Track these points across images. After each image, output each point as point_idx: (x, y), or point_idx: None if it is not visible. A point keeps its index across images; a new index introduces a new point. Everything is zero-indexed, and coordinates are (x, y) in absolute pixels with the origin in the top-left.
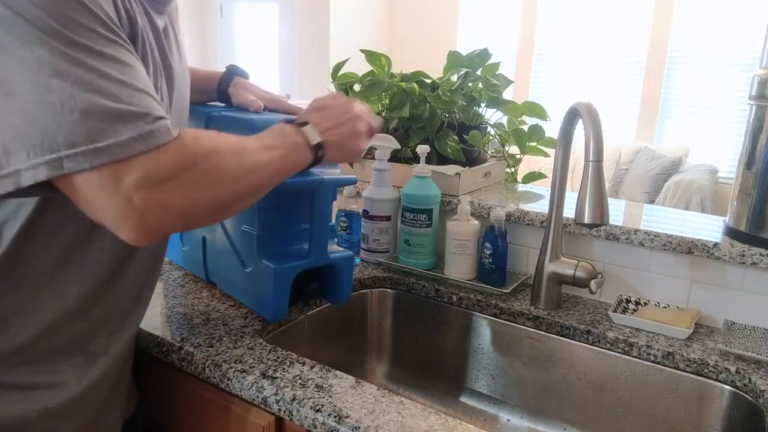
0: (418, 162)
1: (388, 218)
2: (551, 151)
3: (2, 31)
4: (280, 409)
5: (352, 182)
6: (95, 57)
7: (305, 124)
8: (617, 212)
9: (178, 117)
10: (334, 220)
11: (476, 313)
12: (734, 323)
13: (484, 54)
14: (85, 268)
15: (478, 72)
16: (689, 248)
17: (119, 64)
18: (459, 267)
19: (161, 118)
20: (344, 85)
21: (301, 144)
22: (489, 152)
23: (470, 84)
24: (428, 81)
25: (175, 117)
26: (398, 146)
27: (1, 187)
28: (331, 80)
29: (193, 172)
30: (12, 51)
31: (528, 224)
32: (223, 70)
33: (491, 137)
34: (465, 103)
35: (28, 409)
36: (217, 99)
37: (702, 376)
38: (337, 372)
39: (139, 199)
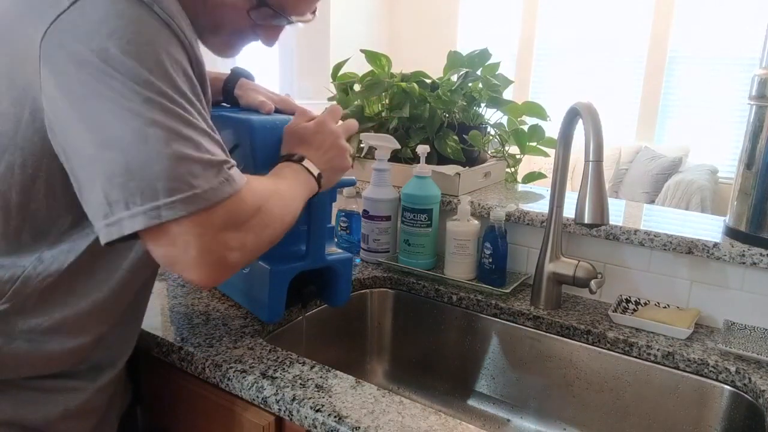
0: (418, 162)
1: (388, 218)
2: (551, 151)
3: (98, 82)
4: (280, 409)
5: (351, 183)
6: (180, 106)
7: (302, 158)
8: (617, 212)
9: None
10: (333, 221)
11: (476, 313)
12: (734, 323)
13: (484, 54)
14: (123, 299)
15: (478, 72)
16: (689, 248)
17: (197, 113)
18: (459, 267)
19: (233, 164)
20: (344, 85)
21: (309, 179)
22: (489, 152)
23: (470, 84)
24: (428, 81)
25: None
26: (398, 146)
27: (107, 235)
28: (331, 80)
29: (262, 213)
30: (109, 102)
31: (528, 224)
32: (220, 70)
33: (491, 137)
34: (465, 103)
35: (48, 412)
36: (223, 100)
37: (702, 376)
38: (337, 372)
39: (224, 241)
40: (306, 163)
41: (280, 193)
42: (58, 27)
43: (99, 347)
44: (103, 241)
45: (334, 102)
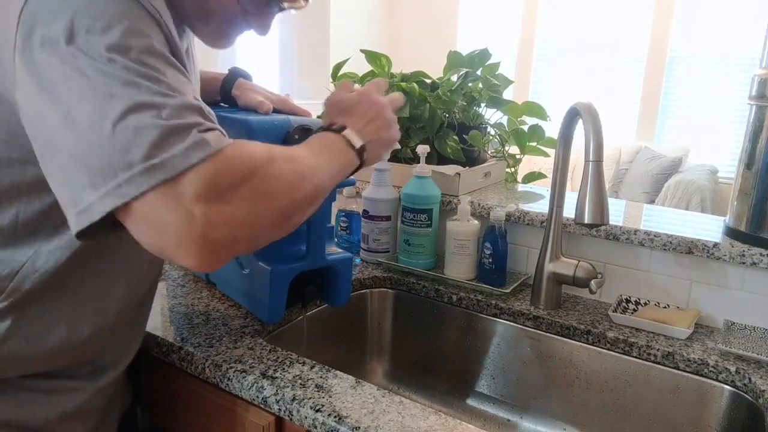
0: (418, 162)
1: (388, 218)
2: (551, 151)
3: (63, 63)
4: (280, 409)
5: (351, 183)
6: (145, 77)
7: (343, 128)
8: (617, 212)
9: None
10: (333, 221)
11: (476, 313)
12: (734, 323)
13: (484, 54)
14: (123, 296)
15: (478, 72)
16: (689, 248)
17: (169, 81)
18: (459, 267)
19: (213, 129)
20: None
21: (346, 149)
22: (489, 152)
23: (470, 84)
24: (428, 81)
25: None
26: (398, 146)
27: (77, 224)
28: (331, 80)
29: (253, 179)
30: (71, 82)
31: (528, 224)
32: (219, 70)
33: (491, 137)
34: (465, 103)
35: (48, 412)
36: (221, 100)
37: (702, 376)
38: (337, 372)
39: (201, 213)
40: (347, 133)
41: (295, 158)
42: (25, 11)
43: (102, 348)
44: (73, 230)
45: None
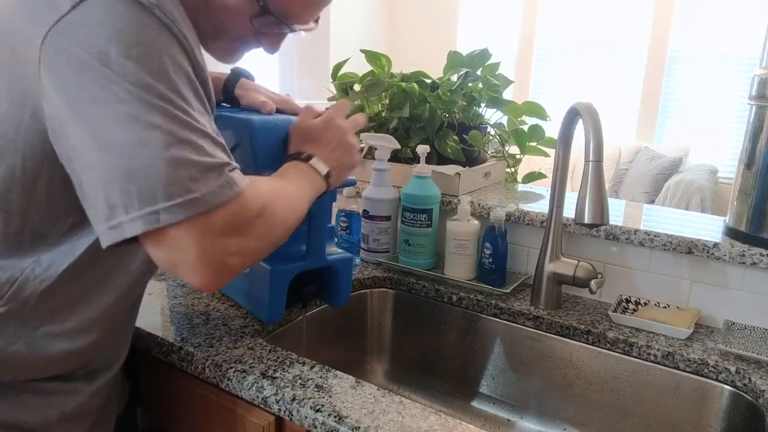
0: (418, 162)
1: (388, 218)
2: (551, 151)
3: (98, 86)
4: (280, 409)
5: (351, 183)
6: (180, 109)
7: (310, 157)
8: (617, 212)
9: None
10: (333, 221)
11: (476, 313)
12: (734, 323)
13: (484, 54)
14: (121, 303)
15: (478, 72)
16: (689, 248)
17: (198, 116)
18: (459, 267)
19: (235, 166)
20: (344, 85)
21: (315, 177)
22: (489, 152)
23: (470, 84)
24: (428, 81)
25: None
26: (398, 146)
27: (110, 238)
28: (331, 80)
29: (265, 216)
30: (109, 106)
31: (528, 224)
32: (220, 70)
33: (491, 137)
34: (465, 103)
35: (47, 414)
36: (223, 100)
37: (702, 376)
38: (337, 372)
39: (225, 245)
40: (314, 161)
41: (285, 194)
42: (58, 30)
43: (98, 350)
44: (104, 244)
45: (336, 101)
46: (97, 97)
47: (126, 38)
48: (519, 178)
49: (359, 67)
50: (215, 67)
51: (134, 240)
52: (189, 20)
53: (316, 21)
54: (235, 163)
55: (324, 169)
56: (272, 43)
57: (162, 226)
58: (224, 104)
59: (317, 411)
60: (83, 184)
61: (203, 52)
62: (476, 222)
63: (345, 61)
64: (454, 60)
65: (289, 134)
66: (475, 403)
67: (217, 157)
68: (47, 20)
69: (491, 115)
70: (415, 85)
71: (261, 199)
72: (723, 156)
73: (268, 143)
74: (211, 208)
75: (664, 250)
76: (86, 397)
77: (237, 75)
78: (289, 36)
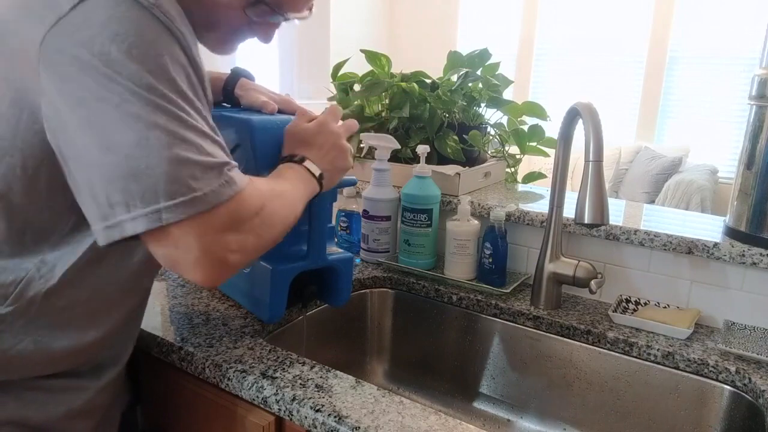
0: (418, 162)
1: (388, 218)
2: (551, 151)
3: (100, 86)
4: (280, 409)
5: (352, 183)
6: (181, 109)
7: (304, 159)
8: (617, 212)
9: None
10: (334, 221)
11: (476, 313)
12: (734, 323)
13: (484, 54)
14: (126, 299)
15: (478, 72)
16: (689, 248)
17: (198, 115)
18: (459, 267)
19: (234, 165)
20: (344, 85)
21: (309, 178)
22: (489, 152)
23: (470, 84)
24: (428, 81)
25: None
26: (398, 146)
27: (106, 237)
28: (331, 80)
29: (263, 214)
30: (112, 106)
31: (528, 224)
32: (219, 70)
33: (491, 137)
34: (465, 103)
35: (52, 412)
36: (223, 100)
37: (702, 376)
38: (337, 372)
39: (225, 242)
40: (307, 164)
41: (283, 194)
42: (58, 30)
43: (104, 346)
44: (101, 243)
45: (334, 102)
46: (99, 97)
47: (127, 38)
48: (519, 178)
49: (359, 67)
50: (215, 66)
51: (134, 238)
52: (184, 15)
53: (310, 9)
54: (234, 162)
55: (317, 171)
56: (266, 32)
57: (164, 225)
58: (224, 104)
59: (317, 411)
60: (80, 182)
61: (200, 47)
62: (476, 222)
63: (345, 61)
64: (454, 60)
65: (284, 137)
66: (475, 403)
67: (217, 156)
68: (46, 20)
69: (491, 115)
70: (415, 85)
71: (260, 197)
72: (723, 156)
73: (269, 143)
74: (212, 207)
75: (664, 250)
76: (93, 394)
77: (237, 75)
78: (290, 36)
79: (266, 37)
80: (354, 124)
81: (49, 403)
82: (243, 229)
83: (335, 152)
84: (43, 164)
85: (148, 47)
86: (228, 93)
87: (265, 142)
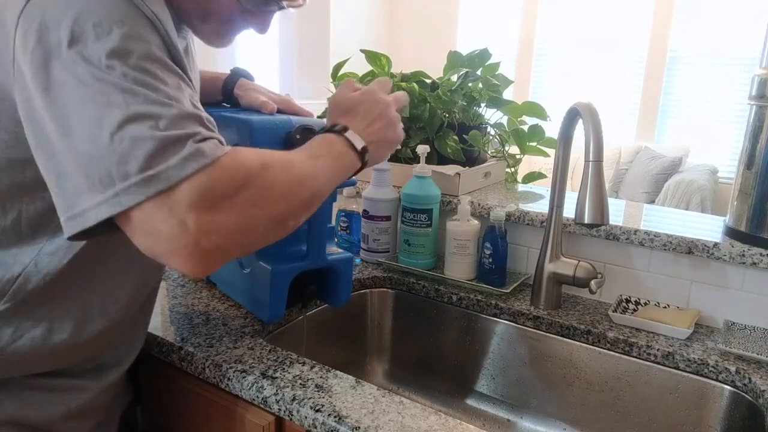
0: (418, 162)
1: (388, 218)
2: (551, 151)
3: (63, 70)
4: (280, 409)
5: (352, 184)
6: (146, 85)
7: (345, 129)
8: (617, 212)
9: None
10: (334, 221)
11: (476, 313)
12: (734, 323)
13: (484, 54)
14: (128, 294)
15: (478, 72)
16: (689, 248)
17: (170, 90)
18: (459, 267)
19: (210, 137)
20: None
21: (347, 152)
22: (489, 152)
23: (470, 84)
24: (428, 81)
25: None
26: (398, 146)
27: (70, 228)
28: (331, 80)
29: (248, 188)
30: (71, 89)
31: (528, 224)
32: (219, 70)
33: (491, 137)
34: (465, 103)
35: (52, 411)
36: (222, 100)
37: (702, 376)
38: (337, 372)
39: (194, 222)
40: (349, 134)
41: (291, 164)
42: (27, 13)
43: (107, 346)
44: (66, 235)
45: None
46: (61, 81)
47: (91, 17)
48: (519, 178)
49: (359, 67)
50: (215, 66)
51: (116, 228)
52: (173, 4)
53: None
54: (209, 133)
55: (360, 143)
56: (261, 21)
57: (125, 209)
58: (224, 104)
59: (317, 411)
60: (46, 171)
61: (198, 42)
62: (476, 222)
63: (345, 61)
64: (454, 60)
65: (327, 109)
66: (475, 403)
67: (184, 128)
68: (19, 4)
69: (491, 115)
70: (415, 85)
71: (245, 169)
72: (723, 156)
73: (268, 144)
74: (174, 184)
75: (664, 250)
76: (94, 394)
77: (236, 75)
78: (290, 36)
79: (262, 27)
80: (404, 96)
81: (48, 402)
82: (221, 206)
83: (382, 122)
84: (30, 155)
85: (112, 24)
86: (227, 93)
87: (264, 143)
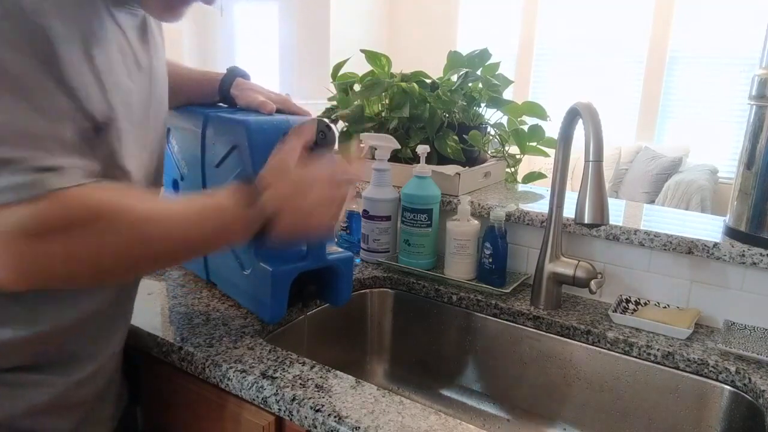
0: (418, 162)
1: (388, 218)
2: (551, 151)
3: None
4: (280, 409)
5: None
6: None
7: (259, 194)
8: (617, 212)
9: (156, 115)
10: None
11: (476, 313)
12: (734, 323)
13: (484, 54)
14: (82, 295)
15: (478, 72)
16: (689, 248)
17: (28, 112)
18: (459, 267)
19: (49, 169)
20: (344, 85)
21: (242, 220)
22: (489, 152)
23: (470, 84)
24: (428, 81)
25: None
26: (398, 146)
27: None
28: (331, 80)
29: (85, 228)
30: None
31: (528, 224)
32: (219, 70)
33: (491, 137)
34: (465, 103)
35: (12, 407)
36: (219, 100)
37: (702, 376)
38: (337, 372)
39: (15, 244)
40: (264, 197)
41: (151, 221)
42: None
43: (71, 342)
44: None
45: (335, 102)
46: None
47: None
48: (519, 178)
49: (359, 67)
50: (214, 66)
51: None
52: None
53: None
54: (55, 163)
55: (268, 211)
56: None
57: None
58: (221, 104)
59: (317, 411)
60: None
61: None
62: (476, 222)
63: (345, 61)
64: (454, 60)
65: (269, 162)
66: (475, 403)
67: (21, 154)
68: None
69: (491, 115)
70: (415, 85)
71: (85, 210)
72: (723, 156)
73: (266, 145)
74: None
75: (664, 250)
76: (62, 389)
77: (232, 74)
78: (290, 36)
79: None
80: (360, 175)
81: (8, 397)
82: (47, 238)
83: (323, 208)
84: None
85: None
86: (224, 93)
87: (262, 144)
